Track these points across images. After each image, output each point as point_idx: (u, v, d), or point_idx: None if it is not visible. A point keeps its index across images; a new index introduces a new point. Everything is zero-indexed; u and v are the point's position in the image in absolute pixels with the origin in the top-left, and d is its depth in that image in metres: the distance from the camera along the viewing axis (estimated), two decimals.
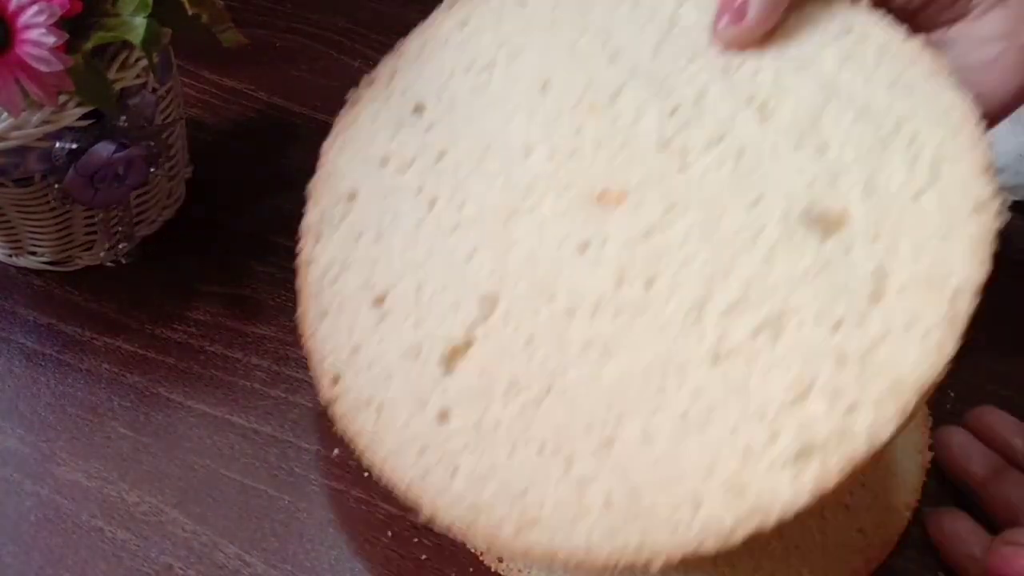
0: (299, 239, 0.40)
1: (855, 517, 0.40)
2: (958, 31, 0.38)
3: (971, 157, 0.31)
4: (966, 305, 0.30)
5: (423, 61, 0.41)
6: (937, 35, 0.38)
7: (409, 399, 0.35)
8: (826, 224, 0.32)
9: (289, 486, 0.43)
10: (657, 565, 0.30)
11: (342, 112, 0.42)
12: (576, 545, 0.31)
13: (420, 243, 0.37)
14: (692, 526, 0.29)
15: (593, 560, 0.30)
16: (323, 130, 0.59)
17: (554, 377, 0.33)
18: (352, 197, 0.39)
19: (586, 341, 0.33)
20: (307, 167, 0.57)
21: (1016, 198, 0.55)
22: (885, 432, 0.29)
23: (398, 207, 0.38)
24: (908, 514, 0.40)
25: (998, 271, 0.55)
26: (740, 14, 0.35)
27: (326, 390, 0.37)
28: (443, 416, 0.34)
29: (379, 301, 0.37)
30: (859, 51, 0.35)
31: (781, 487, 0.29)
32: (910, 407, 0.29)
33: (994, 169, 0.32)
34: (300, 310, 0.39)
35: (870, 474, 0.40)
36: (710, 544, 0.29)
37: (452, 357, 0.35)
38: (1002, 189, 0.56)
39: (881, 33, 0.35)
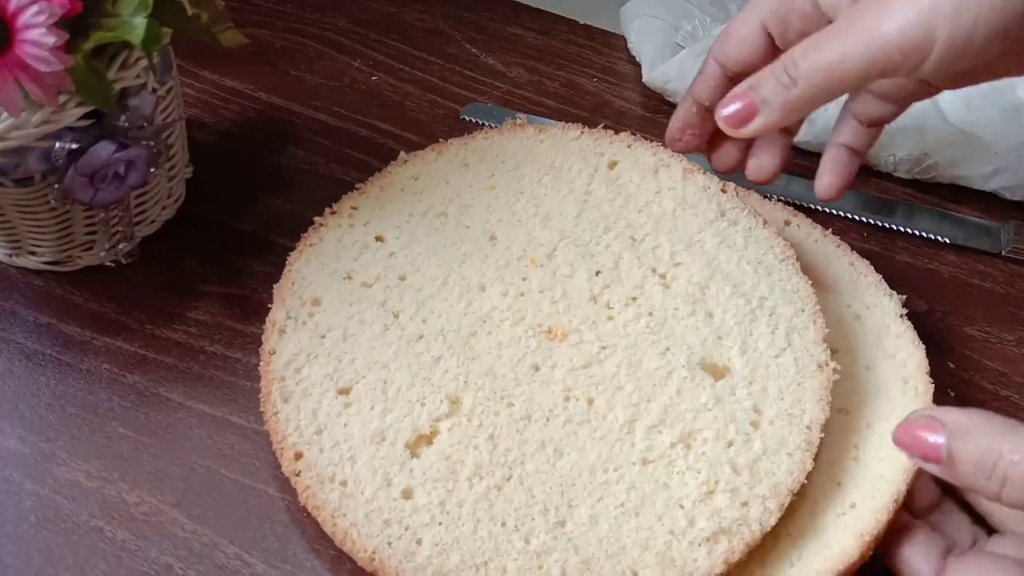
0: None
1: (847, 493, 0.41)
2: None
3: (813, 329, 0.43)
4: (816, 435, 0.40)
5: (383, 202, 0.49)
6: None
7: (374, 477, 0.40)
8: (716, 371, 0.42)
9: (289, 486, 0.43)
10: None
11: (307, 232, 0.48)
12: None
13: (386, 346, 0.43)
14: None
15: None
16: (323, 130, 0.60)
17: (514, 467, 0.40)
18: (317, 302, 0.45)
19: (541, 441, 0.41)
20: (307, 167, 0.57)
21: (1016, 198, 0.56)
22: (770, 521, 0.38)
23: (363, 314, 0.45)
24: (901, 477, 0.40)
25: (998, 270, 0.55)
26: (745, 120, 0.42)
27: (288, 464, 0.41)
28: (408, 494, 0.40)
29: (344, 391, 0.42)
30: (731, 234, 0.46)
31: (700, 559, 0.38)
32: (786, 503, 0.39)
33: (827, 339, 0.43)
34: (262, 393, 0.43)
35: (862, 448, 0.42)
36: None
37: (417, 444, 0.41)
38: (1002, 189, 0.57)
39: (746, 219, 0.47)
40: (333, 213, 0.48)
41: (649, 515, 0.39)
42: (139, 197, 0.50)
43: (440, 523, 0.39)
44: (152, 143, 0.45)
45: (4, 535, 0.42)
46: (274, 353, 0.44)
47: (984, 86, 0.57)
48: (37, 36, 0.37)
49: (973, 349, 0.50)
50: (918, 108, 0.45)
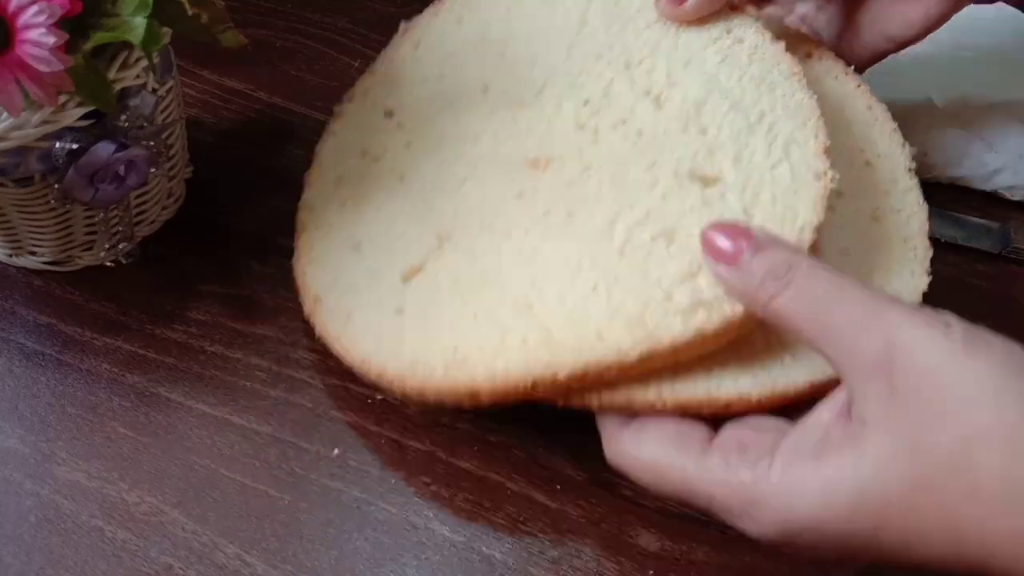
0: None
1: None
2: None
3: (814, 143, 0.41)
4: (809, 236, 0.38)
5: (388, 78, 0.51)
6: None
7: (373, 304, 0.43)
8: (706, 180, 0.41)
9: (289, 486, 0.43)
10: (563, 376, 0.37)
11: (330, 121, 0.51)
12: (494, 375, 0.38)
13: (392, 205, 0.46)
14: (595, 349, 0.37)
15: (507, 383, 0.38)
16: (322, 130, 0.59)
17: (489, 274, 0.41)
18: (339, 181, 0.48)
19: (518, 250, 0.41)
20: (307, 167, 0.57)
21: (1016, 198, 0.56)
22: None
23: (376, 182, 0.47)
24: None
25: (998, 270, 0.55)
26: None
27: (308, 306, 0.45)
28: (399, 311, 0.42)
29: (357, 247, 0.45)
30: (735, 52, 0.44)
31: (674, 326, 0.37)
32: None
33: (829, 152, 0.41)
34: (295, 258, 0.47)
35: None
36: (609, 360, 0.37)
37: (410, 274, 0.43)
38: (1002, 189, 0.57)
39: (753, 36, 0.45)
40: (352, 98, 0.51)
41: (622, 293, 0.38)
42: (139, 197, 0.50)
43: (422, 326, 0.41)
44: (152, 143, 0.45)
45: (4, 535, 0.42)
46: (304, 230, 0.47)
47: (983, 86, 0.57)
48: (37, 36, 0.37)
49: None
50: (917, 107, 0.45)
